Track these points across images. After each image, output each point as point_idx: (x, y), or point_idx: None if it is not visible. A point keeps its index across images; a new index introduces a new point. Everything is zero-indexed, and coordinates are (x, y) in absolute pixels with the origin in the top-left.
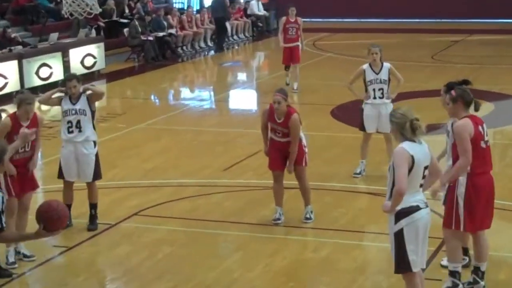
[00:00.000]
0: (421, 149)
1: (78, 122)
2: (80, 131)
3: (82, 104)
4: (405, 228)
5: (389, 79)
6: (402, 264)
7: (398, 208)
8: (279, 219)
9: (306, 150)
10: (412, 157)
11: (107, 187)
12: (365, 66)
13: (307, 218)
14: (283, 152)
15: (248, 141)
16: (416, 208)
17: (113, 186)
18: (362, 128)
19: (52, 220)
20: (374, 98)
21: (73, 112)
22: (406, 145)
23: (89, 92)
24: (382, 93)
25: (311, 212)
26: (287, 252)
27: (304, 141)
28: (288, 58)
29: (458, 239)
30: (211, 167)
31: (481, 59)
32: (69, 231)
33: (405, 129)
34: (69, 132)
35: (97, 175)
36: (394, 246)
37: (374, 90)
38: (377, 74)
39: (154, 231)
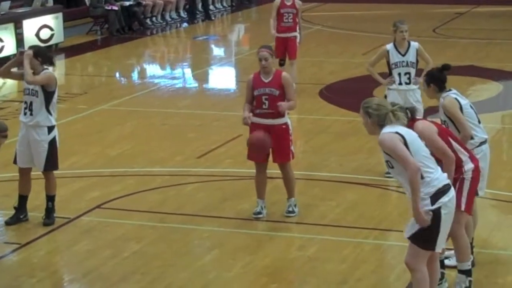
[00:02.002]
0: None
1: (31, 104)
2: (31, 114)
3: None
4: (443, 208)
5: (417, 61)
6: (428, 242)
7: (433, 190)
8: (260, 213)
9: (292, 139)
10: (398, 133)
11: (65, 176)
12: (389, 46)
13: (289, 212)
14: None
15: (225, 124)
16: (449, 186)
17: (72, 175)
18: None
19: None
20: (400, 83)
21: (27, 91)
22: (386, 129)
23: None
24: (409, 78)
25: (295, 205)
26: (269, 250)
27: (291, 130)
28: (281, 50)
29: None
30: (184, 154)
31: (489, 33)
32: (23, 226)
33: (387, 119)
34: (24, 114)
35: (51, 164)
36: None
37: (399, 74)
38: (403, 55)
39: (118, 226)
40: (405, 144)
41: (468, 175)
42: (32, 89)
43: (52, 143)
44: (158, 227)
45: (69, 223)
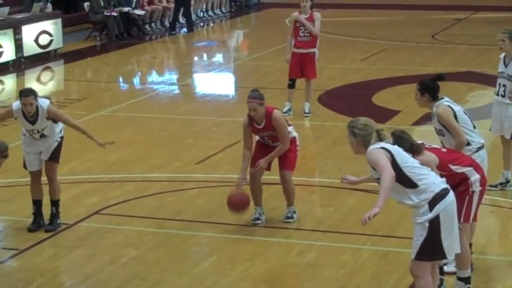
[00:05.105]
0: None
1: (43, 134)
2: (46, 137)
3: (42, 123)
4: (441, 214)
5: None
6: (434, 252)
7: (430, 196)
8: (258, 219)
9: (298, 151)
10: (384, 148)
11: (64, 182)
12: (502, 54)
13: (288, 217)
14: (269, 153)
15: (224, 130)
16: (448, 191)
17: (71, 181)
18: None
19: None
20: (497, 94)
21: (35, 131)
22: (372, 146)
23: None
24: (504, 91)
25: (294, 212)
26: (267, 256)
27: (298, 142)
28: (296, 69)
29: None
30: (182, 160)
31: (488, 39)
32: (21, 232)
33: (371, 139)
34: (33, 137)
35: (57, 155)
36: (425, 235)
37: (500, 84)
38: (506, 66)
39: (117, 232)
40: (392, 156)
41: (476, 187)
42: (43, 128)
43: (62, 139)
44: (156, 233)
45: (68, 229)
